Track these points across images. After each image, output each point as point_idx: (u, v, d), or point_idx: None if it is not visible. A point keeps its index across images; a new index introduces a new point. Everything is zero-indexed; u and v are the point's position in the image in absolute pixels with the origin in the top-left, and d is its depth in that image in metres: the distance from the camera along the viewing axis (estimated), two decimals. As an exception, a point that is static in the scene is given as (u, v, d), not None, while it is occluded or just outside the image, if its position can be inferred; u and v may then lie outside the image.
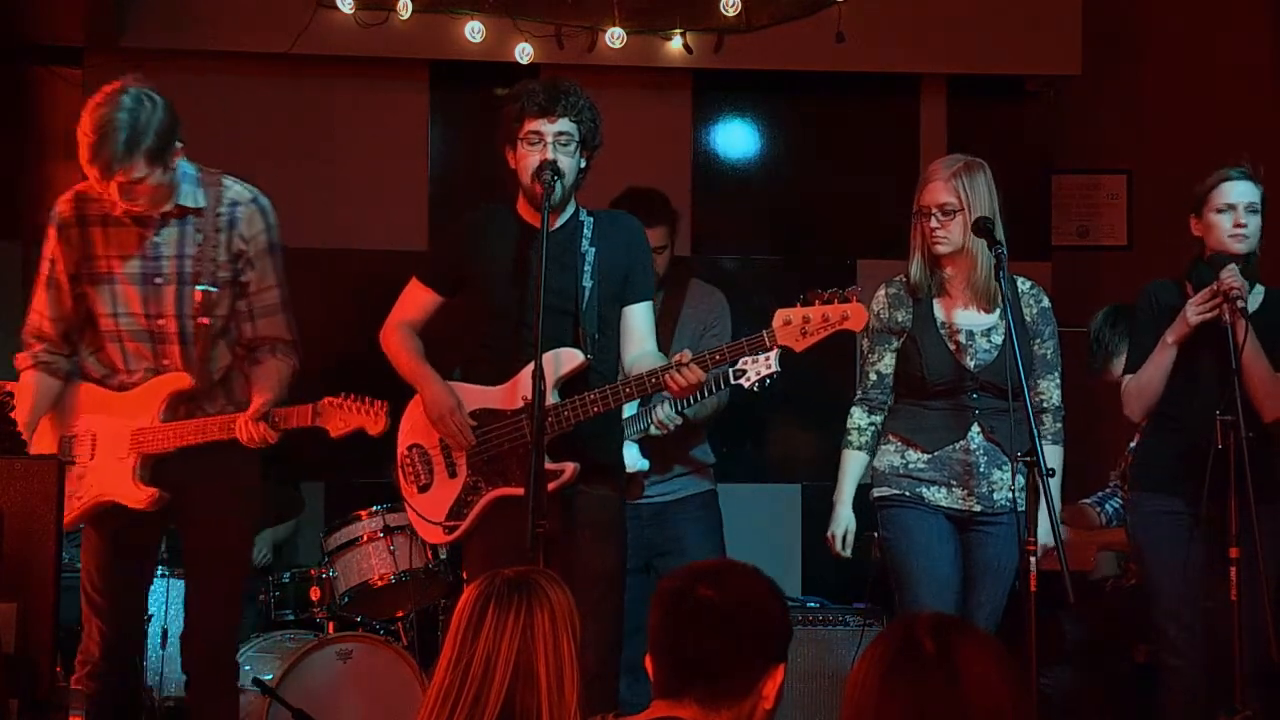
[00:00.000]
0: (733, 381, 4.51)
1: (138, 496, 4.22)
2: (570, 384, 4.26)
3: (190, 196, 4.23)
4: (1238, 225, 4.52)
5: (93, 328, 4.30)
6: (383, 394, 4.43)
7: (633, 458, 5.17)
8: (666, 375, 4.12)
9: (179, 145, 4.13)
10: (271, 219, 4.39)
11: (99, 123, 4.00)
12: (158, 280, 4.22)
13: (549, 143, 4.24)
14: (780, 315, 4.11)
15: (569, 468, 4.23)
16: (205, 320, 4.24)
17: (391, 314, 4.51)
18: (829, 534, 4.67)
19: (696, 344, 5.12)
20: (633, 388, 4.19)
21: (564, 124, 4.24)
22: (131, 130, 4.01)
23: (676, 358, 4.15)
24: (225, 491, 4.31)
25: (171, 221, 4.21)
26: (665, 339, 5.23)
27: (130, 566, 4.33)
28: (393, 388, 4.50)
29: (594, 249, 4.37)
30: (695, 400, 5.04)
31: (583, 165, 4.32)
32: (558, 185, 4.22)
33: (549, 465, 4.18)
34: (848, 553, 4.66)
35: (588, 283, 4.34)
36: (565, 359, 4.26)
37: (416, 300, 4.49)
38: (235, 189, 4.32)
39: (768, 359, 4.37)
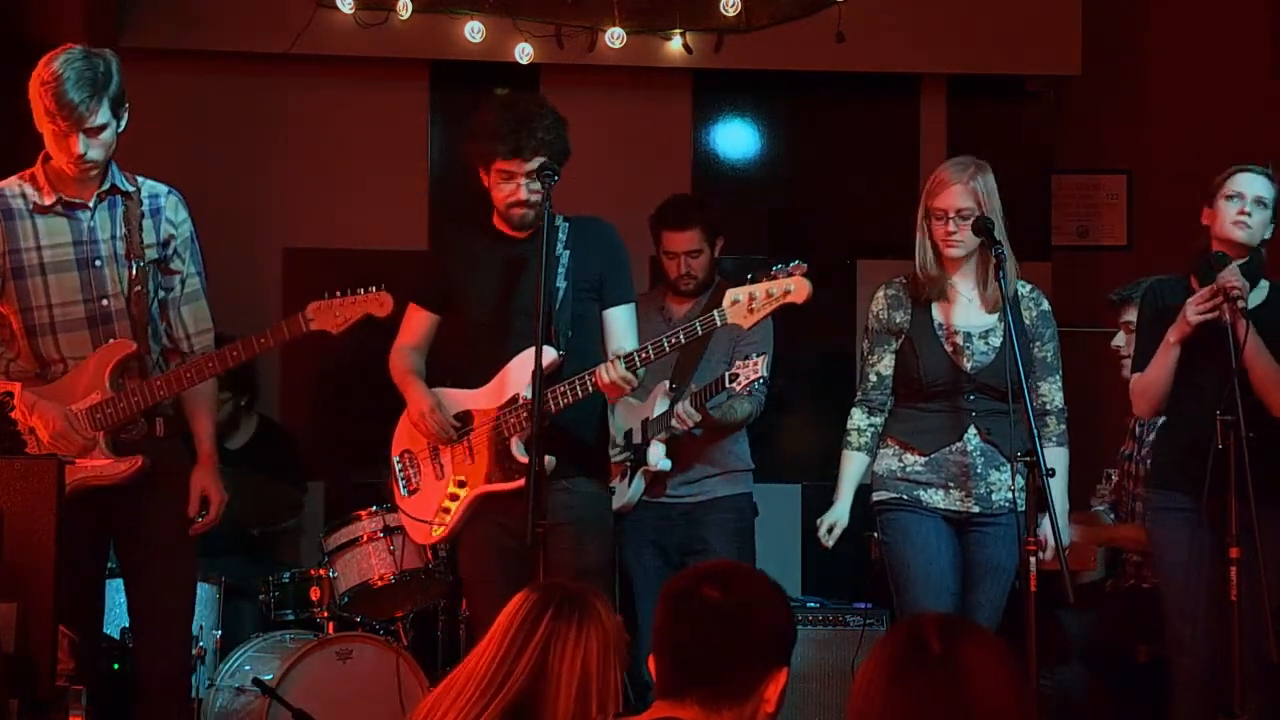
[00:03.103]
0: (727, 385, 4.61)
1: (118, 470, 4.19)
2: (545, 381, 4.32)
3: (120, 180, 4.24)
4: (1241, 213, 4.52)
5: (12, 338, 4.22)
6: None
7: (657, 455, 5.22)
8: (593, 373, 4.26)
9: (128, 105, 4.13)
10: (188, 209, 4.38)
11: (57, 73, 4.00)
12: (97, 263, 4.20)
13: (521, 183, 4.36)
14: (729, 294, 4.25)
15: (545, 461, 4.28)
16: (140, 289, 4.22)
17: (396, 339, 4.63)
18: (818, 521, 4.69)
19: (732, 349, 5.29)
20: (588, 384, 4.28)
21: (535, 161, 4.34)
22: (93, 73, 4.02)
23: (614, 356, 4.30)
24: (167, 491, 4.28)
25: (104, 203, 4.21)
26: (702, 344, 5.28)
27: (84, 564, 4.22)
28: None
29: (568, 251, 4.49)
30: (709, 397, 5.06)
31: (556, 179, 4.37)
32: (531, 214, 4.36)
33: (523, 460, 4.30)
34: (829, 543, 4.68)
35: (561, 284, 4.45)
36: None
37: (412, 321, 4.64)
38: (150, 182, 4.34)
39: (755, 364, 4.53)
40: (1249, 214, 4.52)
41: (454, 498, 4.49)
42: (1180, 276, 4.69)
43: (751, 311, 4.20)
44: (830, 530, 4.66)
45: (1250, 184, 4.55)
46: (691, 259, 5.44)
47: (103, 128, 4.07)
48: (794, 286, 4.16)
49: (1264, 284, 4.63)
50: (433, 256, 4.80)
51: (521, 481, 4.25)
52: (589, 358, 4.43)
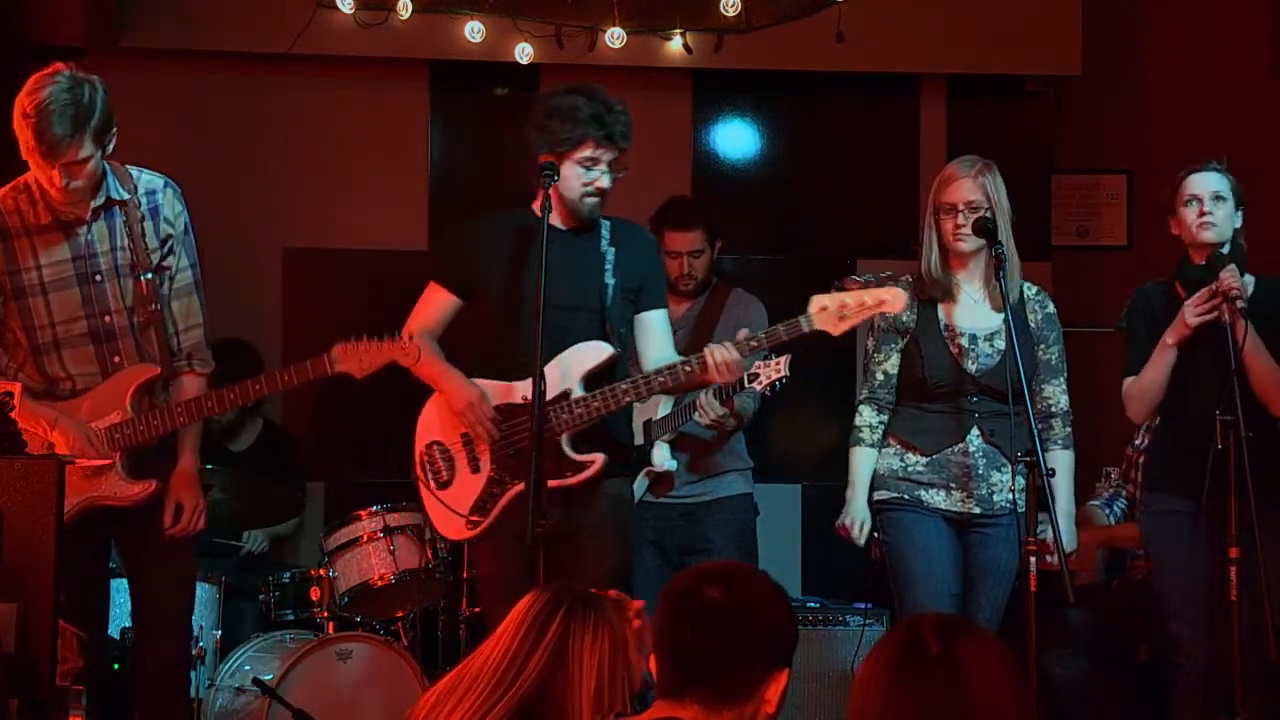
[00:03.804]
0: (746, 385, 4.62)
1: (131, 492, 4.20)
2: (597, 378, 4.31)
3: (115, 189, 4.20)
4: (1202, 214, 4.53)
5: (17, 345, 4.22)
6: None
7: (662, 457, 5.22)
8: (705, 355, 4.20)
9: (115, 130, 4.09)
10: (184, 200, 4.33)
11: (41, 103, 3.94)
12: (97, 277, 4.18)
13: (604, 170, 4.31)
14: (816, 301, 4.21)
15: (598, 459, 4.28)
16: (156, 307, 4.20)
17: (410, 320, 4.49)
18: (843, 523, 4.63)
19: (729, 338, 5.23)
20: (665, 377, 4.26)
21: (617, 151, 4.32)
22: (76, 108, 3.96)
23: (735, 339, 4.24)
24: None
25: (100, 216, 4.18)
26: (703, 344, 5.28)
27: (87, 564, 4.24)
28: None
29: (613, 249, 4.43)
30: (733, 392, 5.06)
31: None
32: (600, 204, 4.34)
33: (577, 456, 4.27)
34: (862, 542, 4.64)
35: (610, 280, 4.39)
36: (595, 352, 4.32)
37: (435, 303, 4.49)
38: (146, 176, 4.29)
39: (779, 363, 4.52)
40: (1209, 212, 4.54)
41: (493, 494, 4.37)
42: (1164, 281, 4.69)
43: (842, 319, 4.17)
44: (860, 529, 4.63)
45: (1203, 182, 4.56)
46: (693, 259, 5.46)
47: (86, 160, 4.02)
48: (889, 296, 4.18)
49: (1248, 278, 4.62)
50: (464, 238, 4.61)
51: (573, 478, 4.25)
52: (628, 363, 4.42)
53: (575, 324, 4.26)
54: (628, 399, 4.26)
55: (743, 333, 4.30)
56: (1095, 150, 7.10)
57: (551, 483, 4.19)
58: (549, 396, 4.26)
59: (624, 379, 4.32)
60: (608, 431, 4.36)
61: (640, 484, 5.30)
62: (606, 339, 4.35)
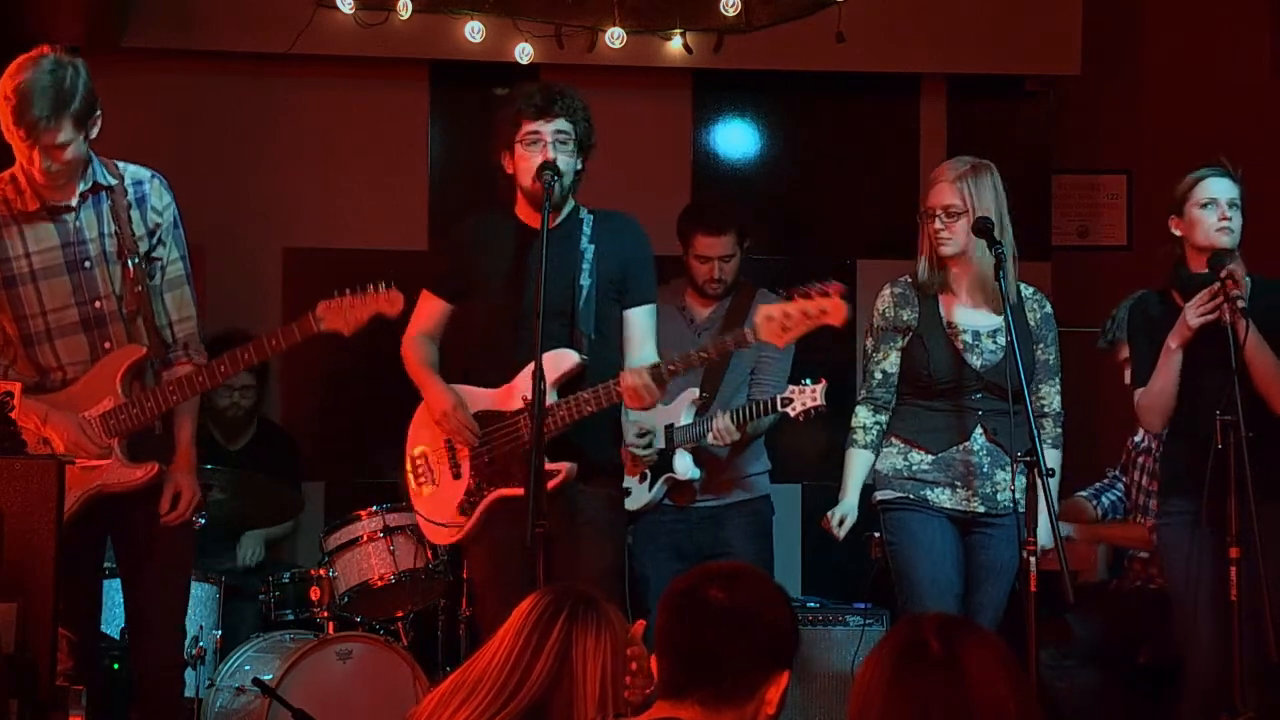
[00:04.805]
0: (779, 409, 4.61)
1: (134, 476, 4.19)
2: (568, 385, 4.29)
3: (102, 175, 4.20)
4: (1223, 219, 4.51)
5: (7, 342, 4.20)
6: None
7: (685, 465, 5.21)
8: (617, 381, 4.20)
9: (99, 114, 4.09)
10: (172, 193, 4.33)
11: (23, 85, 3.95)
12: (86, 264, 4.17)
13: (548, 142, 4.27)
14: (762, 311, 4.17)
15: (564, 467, 4.25)
16: (141, 289, 4.19)
17: (409, 326, 4.53)
18: (829, 514, 4.66)
19: (755, 359, 5.31)
20: (602, 397, 4.23)
21: (561, 123, 4.28)
22: (57, 91, 3.96)
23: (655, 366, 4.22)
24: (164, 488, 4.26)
25: (88, 202, 4.18)
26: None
27: (82, 562, 4.22)
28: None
29: (593, 246, 4.39)
30: (753, 417, 5.10)
31: (579, 167, 4.35)
32: (557, 185, 4.24)
33: (547, 465, 4.21)
34: (841, 535, 4.65)
35: (585, 281, 4.35)
36: (560, 360, 4.29)
37: (427, 311, 4.53)
38: (133, 169, 4.29)
39: (814, 392, 4.54)
40: (1230, 219, 4.52)
41: (472, 501, 4.41)
42: (1159, 290, 4.68)
43: (785, 330, 4.11)
44: (841, 522, 4.64)
45: (1222, 189, 4.53)
46: (724, 263, 5.41)
47: (66, 144, 4.01)
48: (830, 308, 4.08)
49: (1246, 279, 4.61)
50: (449, 244, 4.69)
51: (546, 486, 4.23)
52: (612, 360, 4.35)
53: (547, 329, 4.20)
54: (589, 408, 4.22)
55: (640, 355, 4.29)
56: (1095, 150, 7.10)
57: (520, 490, 4.13)
58: (515, 407, 4.31)
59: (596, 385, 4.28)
60: (583, 438, 4.32)
61: (659, 489, 5.29)
62: (575, 343, 4.32)
